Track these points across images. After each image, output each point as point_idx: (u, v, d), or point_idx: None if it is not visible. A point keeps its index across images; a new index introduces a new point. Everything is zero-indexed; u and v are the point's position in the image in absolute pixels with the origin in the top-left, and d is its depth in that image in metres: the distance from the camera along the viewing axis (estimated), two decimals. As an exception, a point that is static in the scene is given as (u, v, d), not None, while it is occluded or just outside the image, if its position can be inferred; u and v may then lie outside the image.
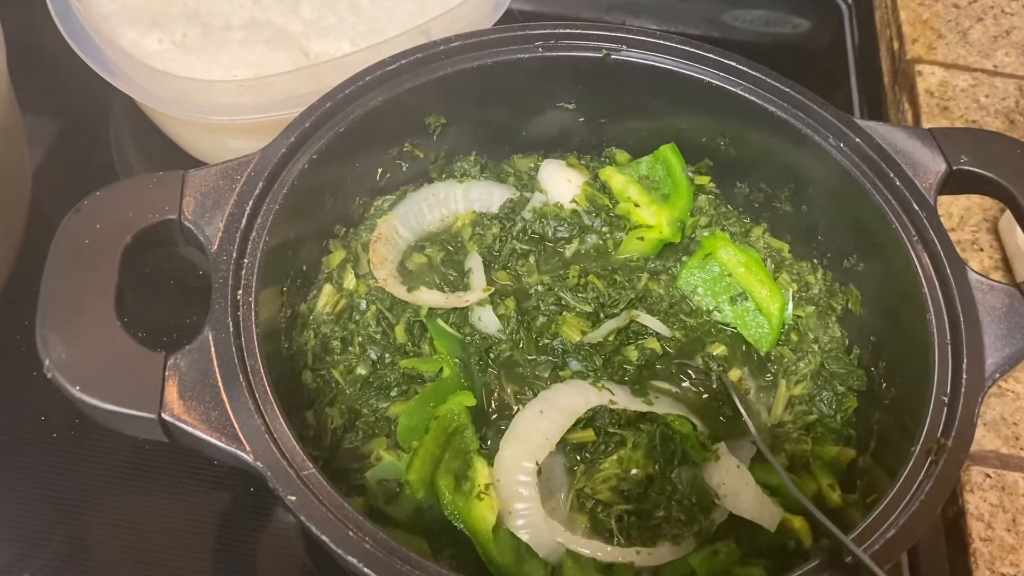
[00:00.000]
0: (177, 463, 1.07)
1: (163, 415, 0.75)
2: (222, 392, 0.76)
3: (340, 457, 0.91)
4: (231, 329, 0.80)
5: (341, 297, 1.00)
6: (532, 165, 1.14)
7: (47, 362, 0.75)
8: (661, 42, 1.04)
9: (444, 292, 1.01)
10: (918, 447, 0.79)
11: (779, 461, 0.90)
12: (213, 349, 0.78)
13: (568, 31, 1.04)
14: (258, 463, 0.74)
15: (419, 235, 1.08)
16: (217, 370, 0.77)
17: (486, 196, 1.11)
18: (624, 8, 1.68)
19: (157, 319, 1.14)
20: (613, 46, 1.04)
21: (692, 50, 1.03)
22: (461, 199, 1.10)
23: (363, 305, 1.00)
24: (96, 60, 1.14)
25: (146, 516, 1.04)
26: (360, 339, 0.98)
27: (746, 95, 1.02)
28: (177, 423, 0.75)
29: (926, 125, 1.41)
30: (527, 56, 1.03)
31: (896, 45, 1.55)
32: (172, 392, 0.76)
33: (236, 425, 0.75)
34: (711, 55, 1.03)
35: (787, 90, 1.01)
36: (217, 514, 1.06)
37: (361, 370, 0.96)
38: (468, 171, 1.11)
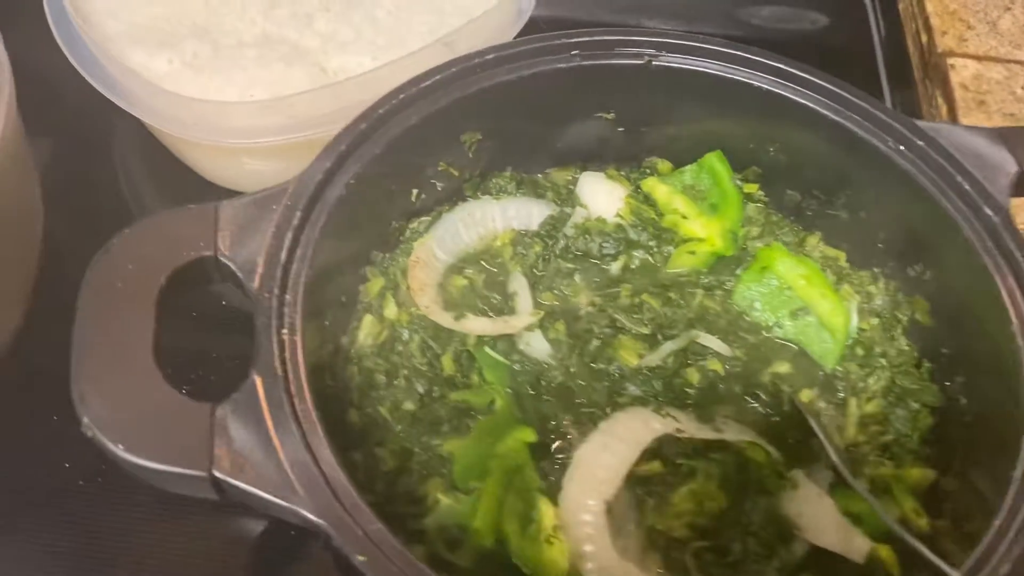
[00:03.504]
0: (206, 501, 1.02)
1: (214, 472, 0.69)
2: (275, 443, 0.70)
3: (395, 502, 0.85)
4: (279, 373, 0.74)
5: (383, 328, 0.95)
6: (569, 178, 1.08)
7: (85, 419, 0.70)
8: (704, 46, 0.98)
9: (490, 317, 0.96)
10: (1019, 472, 0.74)
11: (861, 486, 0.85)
12: (262, 396, 0.72)
13: (606, 37, 0.98)
14: (321, 520, 0.68)
15: (457, 257, 1.02)
16: (268, 419, 0.71)
17: (524, 213, 1.05)
18: (638, 9, 1.63)
19: (184, 356, 1.08)
20: (654, 51, 0.99)
21: (738, 53, 0.98)
22: (499, 217, 1.05)
23: (406, 335, 0.94)
24: (104, 84, 1.08)
25: (178, 558, 0.99)
26: (405, 372, 0.92)
27: (797, 98, 0.97)
28: (230, 480, 0.69)
29: (963, 120, 1.37)
30: (565, 66, 0.97)
31: (924, 38, 1.50)
32: (222, 446, 0.70)
33: (293, 479, 0.69)
34: (758, 58, 0.97)
35: (842, 92, 0.95)
36: (250, 551, 1.00)
37: (408, 405, 0.90)
38: (504, 187, 1.06)
